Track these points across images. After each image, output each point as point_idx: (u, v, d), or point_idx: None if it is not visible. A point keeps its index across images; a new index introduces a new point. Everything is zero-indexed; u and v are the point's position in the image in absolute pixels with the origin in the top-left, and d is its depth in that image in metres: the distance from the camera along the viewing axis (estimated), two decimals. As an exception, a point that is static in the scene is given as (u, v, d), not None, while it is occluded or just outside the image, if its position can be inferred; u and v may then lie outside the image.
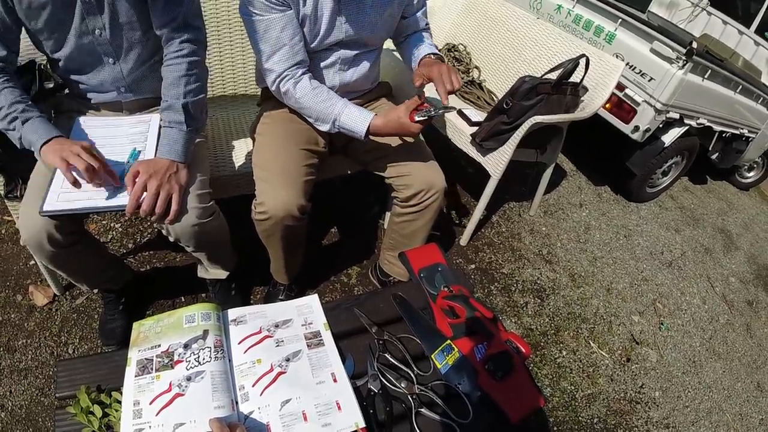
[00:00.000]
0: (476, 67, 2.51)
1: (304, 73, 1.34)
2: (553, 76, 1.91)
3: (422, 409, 0.91)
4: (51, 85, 1.42)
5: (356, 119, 1.32)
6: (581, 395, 1.89)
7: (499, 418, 0.95)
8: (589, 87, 2.06)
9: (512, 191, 2.72)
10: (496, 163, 1.94)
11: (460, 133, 2.05)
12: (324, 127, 1.38)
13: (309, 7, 1.27)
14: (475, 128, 1.98)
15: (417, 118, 1.26)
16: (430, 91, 1.51)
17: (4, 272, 1.79)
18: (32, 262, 1.80)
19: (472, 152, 2.02)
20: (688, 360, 2.25)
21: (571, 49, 2.12)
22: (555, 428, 1.75)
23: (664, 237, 2.99)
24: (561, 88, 1.90)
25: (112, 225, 2.01)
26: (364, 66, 1.47)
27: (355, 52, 1.42)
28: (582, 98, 2.06)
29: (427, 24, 1.58)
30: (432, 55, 1.48)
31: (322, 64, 1.41)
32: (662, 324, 2.36)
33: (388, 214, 2.14)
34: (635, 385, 2.02)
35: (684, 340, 2.34)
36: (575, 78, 1.99)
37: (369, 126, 1.31)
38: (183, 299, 1.77)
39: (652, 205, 3.26)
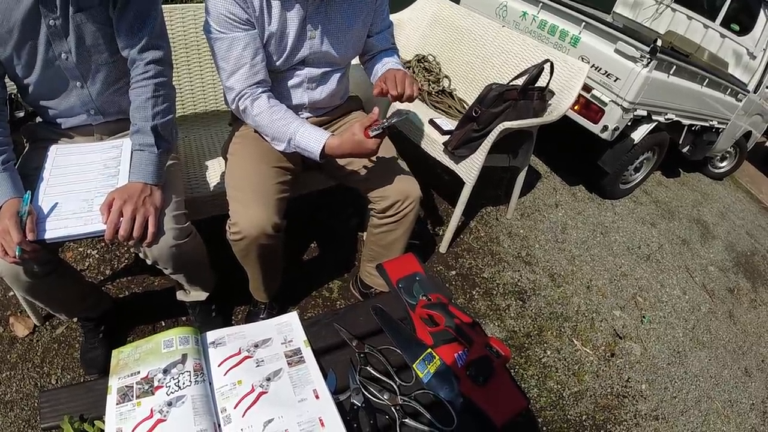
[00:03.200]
0: (446, 77, 2.55)
1: (263, 92, 1.34)
2: (520, 82, 1.96)
3: (407, 420, 0.92)
4: (21, 114, 1.41)
5: (311, 138, 1.29)
6: (568, 393, 1.91)
7: (483, 423, 0.95)
8: (556, 90, 2.12)
9: (488, 196, 2.76)
10: (469, 169, 1.98)
11: (432, 142, 2.09)
12: (280, 147, 1.37)
13: (274, 26, 1.28)
14: (447, 137, 2.01)
15: (371, 134, 1.25)
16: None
17: (-18, 306, 1.75)
18: (11, 293, 1.77)
19: (446, 160, 2.05)
20: (672, 351, 2.29)
21: (537, 55, 2.17)
22: (544, 428, 1.77)
23: (641, 231, 3.06)
24: (528, 93, 1.94)
25: (88, 252, 1.98)
26: (332, 83, 1.48)
27: (323, 70, 1.43)
28: (549, 102, 2.11)
29: (393, 44, 1.59)
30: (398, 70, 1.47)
31: (290, 83, 1.42)
32: (644, 317, 2.40)
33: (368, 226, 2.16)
34: (621, 379, 2.05)
35: (667, 331, 2.38)
36: (542, 82, 2.04)
37: (324, 145, 1.29)
38: (163, 323, 1.75)
39: (626, 201, 3.33)
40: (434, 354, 1.03)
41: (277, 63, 1.35)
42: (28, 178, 1.21)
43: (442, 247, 2.33)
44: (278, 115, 1.32)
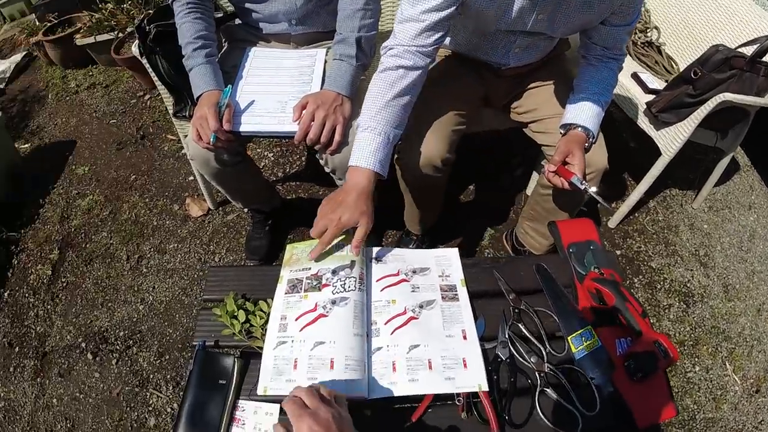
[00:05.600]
0: (656, 28, 2.19)
1: (406, 64, 1.12)
2: (747, 51, 1.61)
3: (548, 390, 0.87)
4: (219, 15, 1.51)
5: (363, 152, 1.09)
6: (701, 417, 1.68)
7: (624, 420, 0.87)
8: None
9: (677, 176, 2.40)
10: (671, 139, 1.70)
11: (631, 99, 1.82)
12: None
13: (496, 3, 1.11)
14: (651, 96, 1.75)
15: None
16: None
17: (164, 183, 2.01)
18: (191, 177, 1.99)
19: (644, 124, 1.79)
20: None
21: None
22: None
23: None
24: (755, 66, 1.59)
25: (265, 153, 2.16)
26: (542, 49, 1.34)
27: (536, 39, 1.27)
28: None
29: (620, 53, 1.28)
30: (584, 131, 1.22)
31: (495, 43, 1.29)
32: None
33: (532, 180, 2.02)
34: (755, 419, 1.73)
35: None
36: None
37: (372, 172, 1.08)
38: (322, 233, 1.86)
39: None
40: (594, 333, 0.95)
41: (493, 27, 1.20)
42: (226, 74, 1.31)
43: (612, 222, 2.11)
44: (382, 97, 1.12)
